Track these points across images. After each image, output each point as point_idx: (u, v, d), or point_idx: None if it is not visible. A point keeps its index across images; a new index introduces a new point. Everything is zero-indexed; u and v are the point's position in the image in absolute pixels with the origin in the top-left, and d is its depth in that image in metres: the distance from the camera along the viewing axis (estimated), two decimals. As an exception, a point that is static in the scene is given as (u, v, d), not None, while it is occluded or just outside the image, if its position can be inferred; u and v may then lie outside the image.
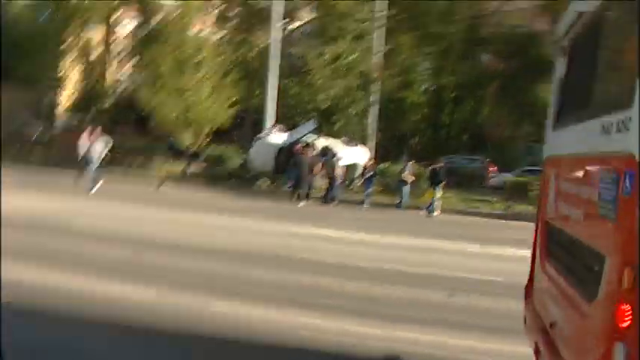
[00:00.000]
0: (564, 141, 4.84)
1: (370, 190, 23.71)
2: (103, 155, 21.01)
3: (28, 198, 16.07)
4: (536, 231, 5.47)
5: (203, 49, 28.79)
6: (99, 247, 10.83)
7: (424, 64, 49.94)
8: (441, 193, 22.54)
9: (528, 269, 10.97)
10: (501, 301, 8.83)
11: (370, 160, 25.85)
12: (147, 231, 12.97)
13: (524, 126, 53.74)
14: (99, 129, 22.13)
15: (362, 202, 23.07)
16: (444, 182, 22.54)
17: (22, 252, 9.49)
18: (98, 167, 20.89)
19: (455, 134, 52.08)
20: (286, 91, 31.58)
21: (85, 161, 20.68)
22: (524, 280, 10.96)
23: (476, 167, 32.57)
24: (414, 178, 23.49)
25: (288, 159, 24.61)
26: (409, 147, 49.48)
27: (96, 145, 20.77)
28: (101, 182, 20.54)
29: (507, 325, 7.51)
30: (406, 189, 23.20)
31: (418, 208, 22.63)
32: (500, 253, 13.87)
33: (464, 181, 26.70)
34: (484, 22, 50.71)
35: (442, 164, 23.59)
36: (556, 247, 4.82)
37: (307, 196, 23.46)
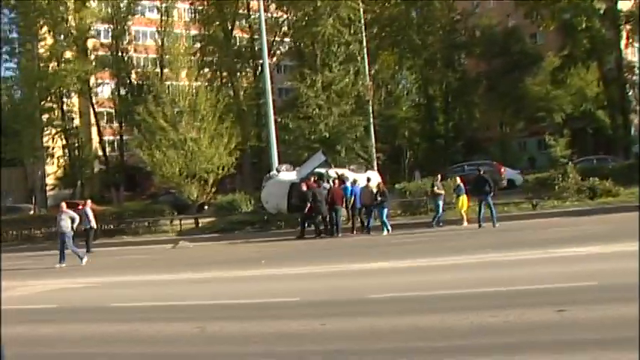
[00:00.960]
0: None
1: (387, 212, 22.77)
2: (71, 230, 19.63)
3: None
4: None
5: (195, 98, 27.95)
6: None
7: (410, 78, 49.69)
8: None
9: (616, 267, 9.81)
10: (608, 309, 7.88)
11: (379, 183, 24.92)
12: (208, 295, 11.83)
13: (517, 123, 53.45)
14: (62, 205, 21.17)
15: (381, 228, 21.99)
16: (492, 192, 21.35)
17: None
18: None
19: (451, 142, 51.69)
20: (284, 127, 30.89)
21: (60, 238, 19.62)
22: (619, 280, 10.25)
23: (487, 172, 31.55)
24: (444, 191, 22.72)
25: (303, 195, 23.70)
26: (407, 162, 48.74)
27: (62, 222, 19.62)
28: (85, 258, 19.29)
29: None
30: (440, 203, 22.48)
31: (455, 222, 21.75)
32: (571, 254, 12.98)
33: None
34: (461, 27, 50.72)
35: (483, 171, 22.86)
36: None
37: (337, 229, 22.39)
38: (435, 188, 22.52)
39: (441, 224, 21.99)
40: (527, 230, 19.18)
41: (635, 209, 20.90)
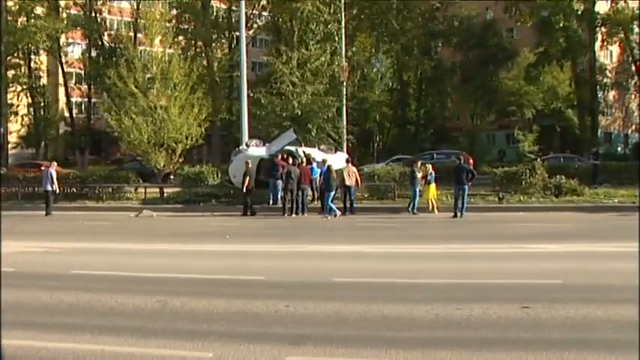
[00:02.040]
0: None
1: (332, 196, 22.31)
2: None
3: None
4: None
5: (167, 65, 27.37)
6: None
7: (385, 62, 49.57)
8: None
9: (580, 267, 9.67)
10: (571, 309, 7.90)
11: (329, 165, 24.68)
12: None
13: (488, 115, 53.93)
14: None
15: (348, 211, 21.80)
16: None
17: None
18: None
19: (421, 129, 51.87)
20: (256, 102, 30.53)
21: None
22: (584, 281, 10.23)
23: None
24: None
25: (271, 172, 23.47)
26: (376, 146, 48.91)
27: None
28: None
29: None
30: (417, 190, 22.14)
31: (423, 210, 21.76)
32: (537, 250, 12.98)
33: (445, 177, 25.85)
34: (440, 16, 50.66)
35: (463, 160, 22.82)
36: None
37: (302, 209, 22.33)
38: (418, 174, 22.26)
39: (415, 212, 21.92)
40: (494, 223, 19.32)
41: (596, 210, 21.37)
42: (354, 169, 22.83)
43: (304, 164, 23.56)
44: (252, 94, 30.44)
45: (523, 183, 24.12)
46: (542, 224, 18.36)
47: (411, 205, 22.06)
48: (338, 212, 21.47)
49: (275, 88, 30.52)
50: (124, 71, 26.45)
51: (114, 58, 41.76)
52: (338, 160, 24.13)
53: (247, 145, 25.85)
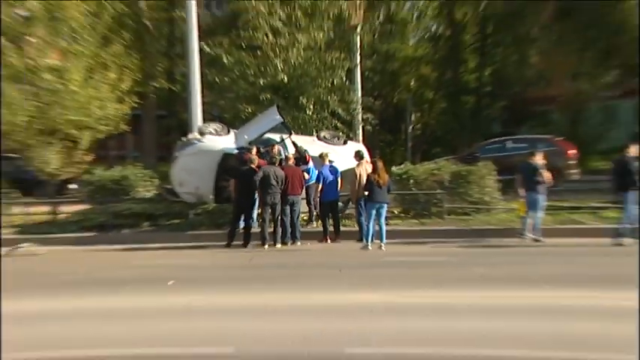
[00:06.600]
0: None
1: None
2: None
3: None
4: None
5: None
6: None
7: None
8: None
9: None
10: None
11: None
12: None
13: (602, 74, 48.68)
14: None
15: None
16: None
17: None
18: None
19: (485, 102, 48.86)
20: (215, 61, 29.02)
21: None
22: None
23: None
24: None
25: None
26: (411, 130, 46.52)
27: None
28: None
29: None
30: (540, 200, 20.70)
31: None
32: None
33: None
34: None
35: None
36: None
37: (292, 234, 21.27)
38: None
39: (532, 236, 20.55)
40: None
41: None
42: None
43: (291, 162, 22.11)
44: (207, 49, 28.88)
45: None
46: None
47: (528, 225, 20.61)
48: (369, 241, 20.01)
49: (245, 37, 29.12)
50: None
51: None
52: (349, 156, 22.47)
53: (202, 132, 24.21)
